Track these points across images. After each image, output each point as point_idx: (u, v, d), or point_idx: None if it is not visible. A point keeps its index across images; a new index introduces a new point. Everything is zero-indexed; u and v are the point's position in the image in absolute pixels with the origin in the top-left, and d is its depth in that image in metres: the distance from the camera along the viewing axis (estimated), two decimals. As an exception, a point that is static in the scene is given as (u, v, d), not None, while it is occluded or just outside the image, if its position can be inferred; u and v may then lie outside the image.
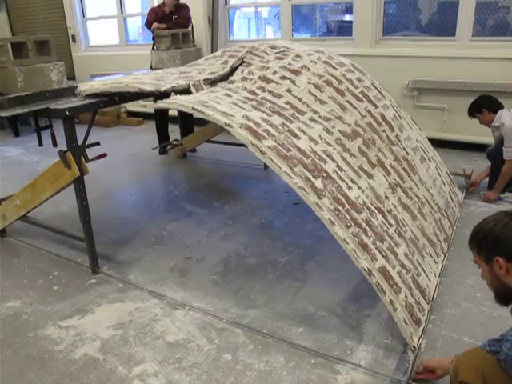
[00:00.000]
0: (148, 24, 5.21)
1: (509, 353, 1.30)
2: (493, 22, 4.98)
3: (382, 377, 1.93)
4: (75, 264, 2.95)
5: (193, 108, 2.25)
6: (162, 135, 5.34)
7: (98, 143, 2.88)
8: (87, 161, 2.73)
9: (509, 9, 4.97)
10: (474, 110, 3.75)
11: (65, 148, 2.64)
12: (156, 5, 5.56)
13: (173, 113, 5.13)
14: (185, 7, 5.28)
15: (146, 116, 6.93)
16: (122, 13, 7.31)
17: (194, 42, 5.59)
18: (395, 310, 2.03)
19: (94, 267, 2.84)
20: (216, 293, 2.58)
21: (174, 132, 5.39)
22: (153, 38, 4.94)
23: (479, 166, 4.23)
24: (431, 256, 2.58)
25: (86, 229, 2.79)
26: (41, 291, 2.67)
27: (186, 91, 2.67)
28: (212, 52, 5.75)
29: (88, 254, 2.83)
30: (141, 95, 2.83)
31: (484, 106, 3.69)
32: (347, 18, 5.93)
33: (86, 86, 2.76)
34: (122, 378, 1.99)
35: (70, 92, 2.88)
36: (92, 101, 2.70)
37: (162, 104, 2.41)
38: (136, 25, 7.79)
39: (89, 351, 2.16)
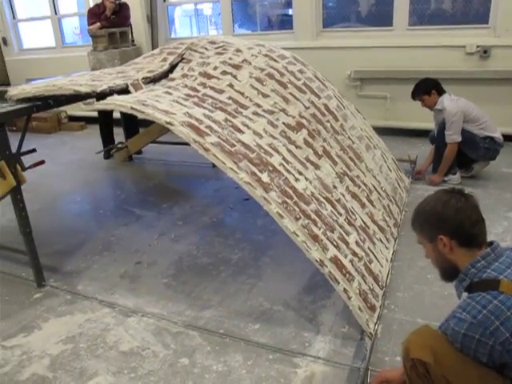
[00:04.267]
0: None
1: (454, 328, 1.33)
2: (428, 12, 5.14)
3: (341, 366, 1.94)
4: (19, 279, 2.79)
5: (131, 108, 2.17)
6: (107, 139, 5.16)
7: (34, 150, 2.73)
8: (23, 169, 2.58)
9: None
10: (423, 92, 3.76)
11: (-2, 157, 2.49)
12: (92, 5, 5.36)
13: (117, 115, 4.98)
14: (125, 7, 5.12)
15: (89, 120, 6.69)
16: (55, 13, 7.01)
17: (133, 41, 5.46)
18: (349, 298, 2.03)
19: (39, 280, 2.69)
20: (169, 296, 2.51)
21: (120, 135, 5.23)
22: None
23: (423, 151, 4.34)
24: (382, 242, 2.62)
25: (27, 241, 2.64)
26: (-19, 311, 2.51)
27: (124, 91, 2.57)
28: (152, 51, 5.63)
29: (32, 267, 2.68)
30: (77, 98, 2.71)
31: (434, 87, 3.75)
32: (288, 11, 5.95)
33: (17, 91, 2.61)
34: (74, 394, 1.89)
35: (0, 97, 2.71)
36: (24, 105, 2.55)
37: (98, 105, 2.31)
38: (72, 25, 7.51)
39: (37, 370, 2.04)
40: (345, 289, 2.03)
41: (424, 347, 1.38)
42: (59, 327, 2.32)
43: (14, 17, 7.39)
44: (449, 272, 1.54)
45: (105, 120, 5.11)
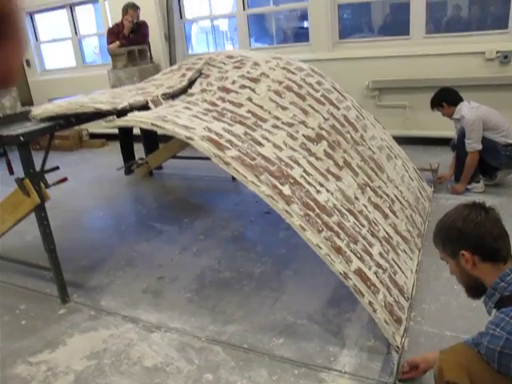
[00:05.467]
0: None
1: (489, 346, 1.28)
2: (445, 19, 5.11)
3: (368, 381, 1.89)
4: (43, 295, 2.82)
5: (152, 124, 2.19)
6: (128, 155, 5.23)
7: (57, 167, 2.78)
8: (47, 187, 2.63)
9: (459, 6, 5.11)
10: (435, 104, 3.81)
11: (22, 175, 2.54)
12: (111, 25, 5.46)
13: (137, 131, 5.04)
14: (143, 25, 5.21)
15: (109, 137, 6.79)
16: (76, 34, 7.19)
17: (151, 58, 5.53)
18: (375, 311, 1.99)
19: (63, 296, 2.72)
20: (192, 311, 2.50)
21: (140, 151, 5.29)
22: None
23: (444, 159, 4.28)
24: (406, 253, 2.57)
25: (51, 257, 2.68)
26: (7, 328, 2.53)
27: (144, 107, 2.60)
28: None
29: (56, 283, 2.71)
30: (99, 115, 2.75)
31: (443, 99, 3.75)
32: (303, 24, 5.99)
33: (40, 110, 2.66)
34: (99, 411, 1.89)
35: (24, 117, 2.77)
36: (47, 124, 2.60)
37: (119, 122, 2.34)
38: (92, 45, 7.67)
39: (62, 386, 2.05)
40: (370, 301, 1.99)
41: (459, 368, 1.33)
42: (83, 343, 2.33)
43: (36, 39, 7.59)
44: (474, 288, 1.49)
45: (125, 136, 5.18)
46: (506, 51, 4.48)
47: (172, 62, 6.07)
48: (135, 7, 4.99)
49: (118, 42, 4.93)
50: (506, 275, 1.37)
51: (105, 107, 2.53)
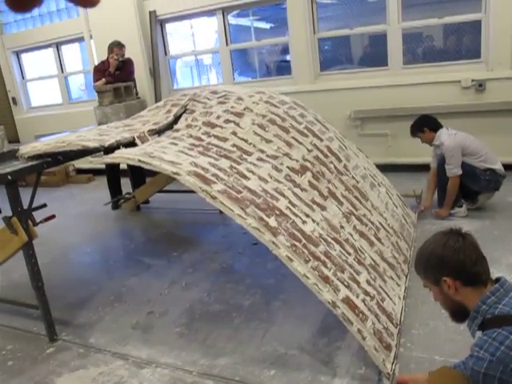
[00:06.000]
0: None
1: (474, 367, 1.31)
2: (421, 50, 5.31)
3: (360, 409, 1.90)
4: (31, 334, 2.79)
5: (139, 160, 2.23)
6: (115, 189, 5.25)
7: (44, 205, 2.79)
8: (35, 224, 2.63)
9: (434, 38, 5.31)
10: (416, 130, 3.92)
11: (10, 213, 2.55)
12: (97, 62, 5.56)
13: (124, 166, 5.08)
14: (129, 62, 5.31)
15: (96, 172, 6.82)
16: (62, 72, 7.29)
17: (137, 94, 5.61)
18: (364, 338, 2.01)
19: (51, 335, 2.69)
20: (182, 345, 2.49)
21: (127, 185, 5.31)
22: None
23: (427, 185, 4.36)
24: (393, 279, 2.61)
25: (39, 295, 2.66)
26: (-6, 370, 2.49)
27: (131, 144, 2.65)
28: (156, 103, 5.78)
29: (43, 321, 2.69)
30: (86, 152, 2.79)
31: (425, 125, 3.86)
32: (285, 57, 6.16)
33: (28, 148, 2.69)
34: None
35: (11, 155, 2.80)
36: (35, 163, 2.63)
37: (107, 159, 2.37)
38: (78, 82, 7.77)
39: (52, 428, 2.02)
40: (359, 329, 2.01)
41: None
42: (73, 382, 2.30)
43: (22, 77, 7.67)
44: (458, 313, 1.53)
45: (112, 171, 5.21)
46: (481, 80, 4.66)
47: (157, 97, 6.16)
48: (120, 45, 5.10)
49: (104, 80, 5.01)
50: (487, 298, 1.42)
51: (92, 145, 2.57)
